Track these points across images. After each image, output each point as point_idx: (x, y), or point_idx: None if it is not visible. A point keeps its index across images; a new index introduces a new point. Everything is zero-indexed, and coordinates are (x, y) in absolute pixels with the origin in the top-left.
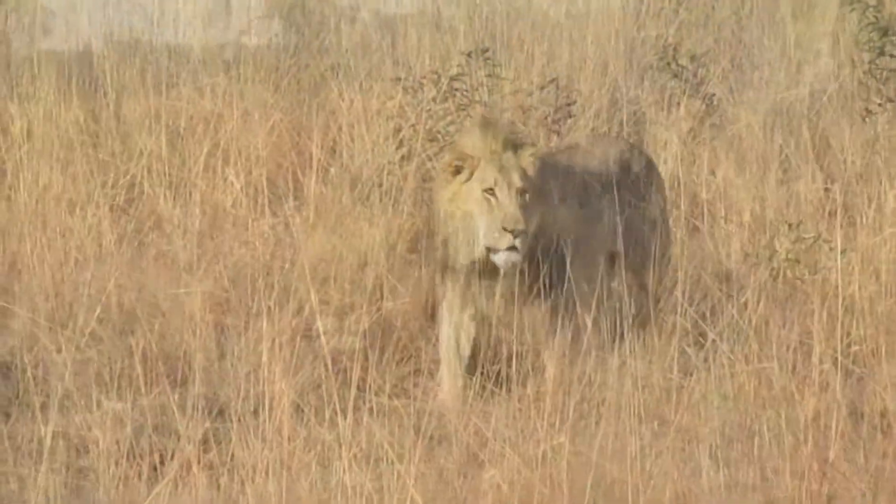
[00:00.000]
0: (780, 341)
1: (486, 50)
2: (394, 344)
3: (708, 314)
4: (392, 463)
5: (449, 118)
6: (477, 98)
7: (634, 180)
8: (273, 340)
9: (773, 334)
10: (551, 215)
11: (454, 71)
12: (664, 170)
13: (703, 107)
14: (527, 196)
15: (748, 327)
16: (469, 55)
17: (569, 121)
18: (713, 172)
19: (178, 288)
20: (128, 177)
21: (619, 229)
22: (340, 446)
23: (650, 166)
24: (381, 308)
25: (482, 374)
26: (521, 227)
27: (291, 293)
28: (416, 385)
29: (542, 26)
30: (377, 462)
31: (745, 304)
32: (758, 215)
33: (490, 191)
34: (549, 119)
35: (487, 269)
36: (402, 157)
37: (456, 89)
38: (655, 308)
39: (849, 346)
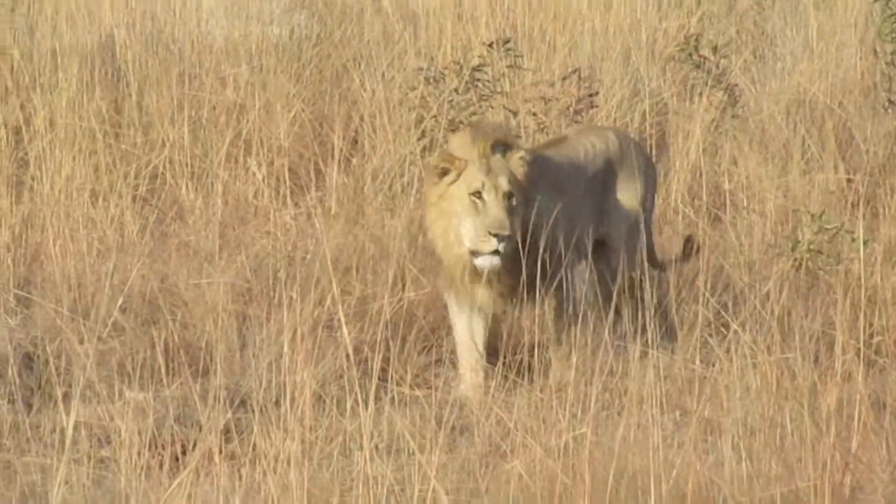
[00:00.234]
0: (803, 332)
1: (508, 40)
2: (415, 334)
3: (730, 304)
4: (413, 453)
5: (471, 109)
6: (499, 89)
7: (612, 168)
8: (295, 331)
9: (795, 325)
10: (544, 208)
11: (476, 61)
12: (686, 161)
13: (726, 97)
14: (514, 200)
15: (770, 318)
16: (491, 46)
17: (591, 111)
18: (735, 163)
19: (199, 278)
20: (150, 167)
21: (597, 216)
22: (362, 437)
23: (632, 153)
24: (403, 298)
25: (504, 364)
26: (506, 231)
27: (313, 283)
28: (437, 375)
29: (563, 17)
30: (399, 452)
31: (768, 294)
32: (780, 206)
33: (477, 194)
34: (571, 110)
35: (470, 271)
36: (424, 148)
37: (478, 80)
38: (616, 290)
39: (871, 336)
